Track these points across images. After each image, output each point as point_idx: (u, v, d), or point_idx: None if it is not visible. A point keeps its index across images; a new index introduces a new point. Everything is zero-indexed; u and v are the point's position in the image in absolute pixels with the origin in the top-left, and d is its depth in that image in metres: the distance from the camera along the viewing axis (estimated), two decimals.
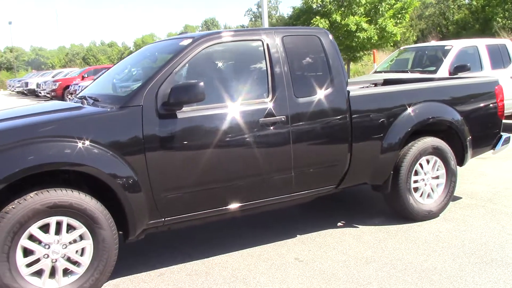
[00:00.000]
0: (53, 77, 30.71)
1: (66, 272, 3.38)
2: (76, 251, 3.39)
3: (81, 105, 3.87)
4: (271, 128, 3.99)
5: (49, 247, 3.29)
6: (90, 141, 3.39)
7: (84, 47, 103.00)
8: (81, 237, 3.41)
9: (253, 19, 72.18)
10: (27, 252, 3.26)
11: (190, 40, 3.98)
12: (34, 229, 3.23)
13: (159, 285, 3.70)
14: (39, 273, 3.30)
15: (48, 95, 27.77)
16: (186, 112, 3.70)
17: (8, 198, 3.22)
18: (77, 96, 4.39)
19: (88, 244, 3.41)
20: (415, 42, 34.16)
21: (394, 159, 4.63)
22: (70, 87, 25.37)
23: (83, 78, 26.60)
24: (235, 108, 3.91)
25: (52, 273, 3.34)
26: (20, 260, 3.22)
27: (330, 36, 4.52)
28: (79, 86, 23.56)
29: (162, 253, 4.30)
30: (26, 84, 33.28)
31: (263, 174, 4.04)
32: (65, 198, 3.28)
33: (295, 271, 3.83)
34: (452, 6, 44.66)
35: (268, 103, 4.02)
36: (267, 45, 4.15)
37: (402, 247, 4.21)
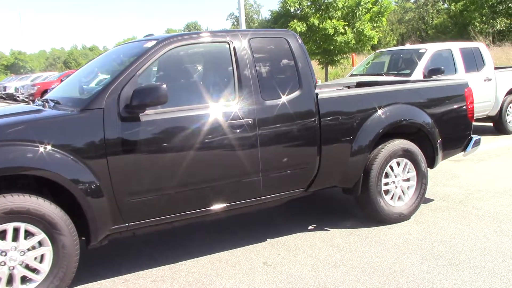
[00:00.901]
0: (31, 81, 30.30)
1: (24, 280, 3.29)
2: (35, 258, 3.30)
3: (42, 108, 3.78)
4: (238, 131, 3.94)
5: (6, 254, 3.19)
6: (49, 145, 3.30)
7: (65, 51, 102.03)
8: (40, 244, 3.32)
9: (235, 23, 72.21)
10: None
11: (154, 42, 3.92)
12: None
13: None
14: None
15: (26, 99, 27.36)
16: (150, 115, 3.63)
17: None
18: (41, 99, 4.29)
19: (47, 250, 3.32)
20: (395, 46, 34.45)
21: (364, 161, 4.61)
22: (48, 91, 25.03)
23: (61, 81, 26.29)
24: (201, 110, 3.85)
25: (10, 281, 3.24)
26: None
27: (298, 38, 4.49)
28: None
29: (128, 258, 4.21)
30: (4, 88, 32.79)
31: (230, 178, 3.98)
32: (22, 203, 3.18)
33: (263, 276, 3.78)
34: (431, 11, 45.24)
35: (235, 106, 3.97)
36: (234, 47, 4.10)
37: (372, 250, 4.18)
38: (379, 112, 4.65)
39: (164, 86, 3.50)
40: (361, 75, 10.01)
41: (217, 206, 3.99)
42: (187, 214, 3.89)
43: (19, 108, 4.09)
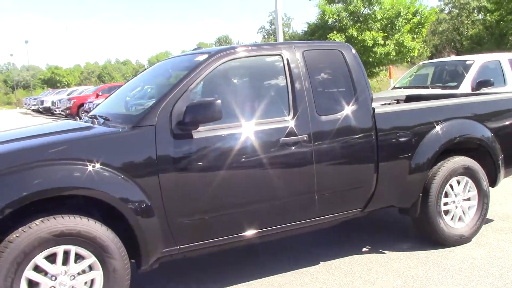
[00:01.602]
0: (68, 95, 30.83)
1: None
2: (85, 283, 3.15)
3: (91, 124, 3.66)
4: (293, 148, 3.74)
5: (56, 279, 3.05)
6: (99, 163, 3.16)
7: (99, 65, 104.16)
8: (90, 268, 3.16)
9: (266, 36, 72.46)
10: (32, 285, 3.02)
11: (206, 56, 3.77)
12: (39, 259, 3.00)
13: None
14: None
15: (63, 113, 27.85)
16: (202, 132, 3.47)
17: (11, 226, 2.99)
18: (88, 115, 4.18)
19: (98, 275, 3.16)
20: (430, 58, 33.84)
21: (423, 180, 4.35)
22: (84, 105, 25.38)
23: (97, 96, 26.65)
24: (254, 127, 3.67)
25: None
26: None
27: (353, 50, 4.28)
28: (94, 104, 23.61)
29: (177, 282, 4.03)
30: (42, 102, 33.48)
31: (285, 198, 3.78)
32: (72, 225, 3.04)
33: None
34: (466, 22, 44.34)
35: (289, 122, 3.78)
36: (287, 60, 3.91)
37: (435, 276, 3.90)
38: (437, 127, 4.39)
39: (219, 101, 3.34)
40: (404, 87, 9.71)
41: (270, 228, 3.79)
42: (240, 237, 3.69)
43: (68, 125, 3.97)
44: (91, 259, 3.13)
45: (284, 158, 3.73)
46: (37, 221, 2.99)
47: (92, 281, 3.17)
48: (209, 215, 3.51)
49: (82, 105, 25.88)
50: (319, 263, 4.30)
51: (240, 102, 3.78)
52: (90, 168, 3.13)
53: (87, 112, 25.55)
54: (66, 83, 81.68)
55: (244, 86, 4.06)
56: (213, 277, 4.08)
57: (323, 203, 3.93)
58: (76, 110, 26.29)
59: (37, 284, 3.02)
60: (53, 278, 3.05)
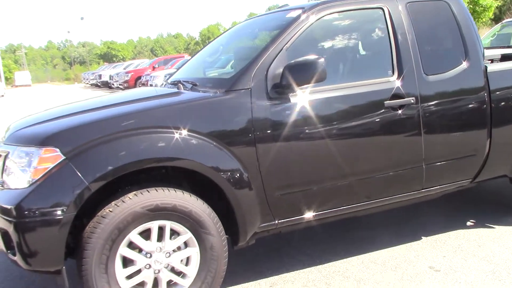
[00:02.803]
0: (124, 68, 31.18)
1: (169, 284, 2.90)
2: (181, 260, 2.90)
3: (179, 90, 3.37)
4: (398, 112, 3.33)
5: (151, 256, 2.82)
6: (193, 131, 2.87)
7: (151, 39, 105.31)
8: (186, 244, 2.91)
9: None
10: (126, 262, 2.80)
11: (299, 12, 3.38)
12: (134, 236, 2.77)
13: None
14: (140, 287, 2.84)
15: (121, 86, 28.20)
16: (300, 95, 3.11)
17: (101, 201, 2.77)
18: (169, 81, 3.90)
19: (194, 252, 2.91)
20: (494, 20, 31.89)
21: None
22: (141, 77, 25.57)
23: (154, 68, 26.80)
24: (356, 89, 3.28)
25: (155, 286, 2.87)
26: (120, 272, 2.76)
27: (461, 2, 3.77)
28: (151, 76, 23.69)
29: (270, 259, 3.74)
30: (100, 76, 34.09)
31: (389, 168, 3.40)
32: (168, 199, 2.78)
33: (435, 285, 3.18)
34: None
35: (394, 82, 3.37)
36: (390, 13, 3.47)
37: None
38: None
39: (322, 60, 2.96)
40: (486, 48, 8.96)
41: (372, 201, 3.43)
42: (340, 210, 3.35)
43: (154, 92, 3.71)
44: (186, 235, 2.88)
45: (388, 124, 3.33)
46: (130, 195, 2.75)
47: (188, 258, 2.92)
48: (308, 188, 3.18)
49: (139, 77, 26.09)
50: (421, 238, 3.92)
51: (339, 61, 3.41)
52: (186, 137, 2.84)
53: (144, 84, 25.75)
54: (121, 57, 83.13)
55: (342, 43, 3.65)
56: (308, 254, 3.77)
57: (430, 173, 3.52)
58: (134, 83, 26.54)
59: (131, 261, 2.80)
60: (148, 255, 2.82)
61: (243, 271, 3.51)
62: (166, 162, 2.82)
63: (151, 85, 23.94)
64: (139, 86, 26.30)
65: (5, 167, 2.85)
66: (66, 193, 2.61)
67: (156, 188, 2.79)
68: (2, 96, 35.67)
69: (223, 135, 2.95)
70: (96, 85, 35.62)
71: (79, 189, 2.61)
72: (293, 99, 3.08)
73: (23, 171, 2.72)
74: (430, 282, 3.21)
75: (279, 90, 3.06)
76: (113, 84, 30.06)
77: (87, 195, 2.63)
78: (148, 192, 2.76)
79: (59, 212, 2.58)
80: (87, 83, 40.94)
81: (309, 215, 3.25)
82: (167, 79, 4.11)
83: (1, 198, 2.76)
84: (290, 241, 4.02)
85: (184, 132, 2.84)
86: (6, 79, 60.82)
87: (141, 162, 2.75)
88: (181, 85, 3.45)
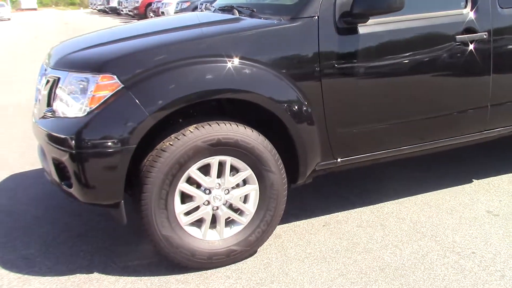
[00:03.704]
0: None
1: (227, 221, 2.80)
2: (240, 198, 2.78)
3: (239, 16, 3.12)
4: (469, 47, 3.10)
5: (210, 192, 2.69)
6: (261, 62, 2.66)
7: None
8: (244, 182, 2.78)
9: None
10: (184, 198, 2.68)
11: None
12: (193, 171, 2.62)
13: (327, 237, 3.06)
14: (198, 223, 2.73)
15: (130, 13, 27.47)
16: (369, 26, 2.87)
17: (158, 133, 2.60)
18: (218, 6, 3.62)
19: (253, 189, 2.78)
20: None
21: None
22: (152, 4, 24.80)
23: None
24: (426, 21, 3.04)
25: (212, 222, 2.76)
26: (179, 208, 2.65)
27: None
28: (162, 3, 22.96)
29: (317, 199, 3.62)
30: (108, 1, 33.09)
31: (455, 107, 3.21)
32: (230, 134, 2.61)
33: (495, 229, 3.07)
34: None
35: (467, 14, 3.11)
36: None
37: None
38: None
39: None
40: None
41: (435, 141, 3.26)
42: (401, 150, 3.19)
43: (209, 17, 3.43)
44: (247, 171, 2.73)
45: (458, 60, 3.11)
46: (191, 128, 2.57)
47: (246, 196, 2.80)
48: (372, 125, 3.01)
49: (150, 4, 25.27)
50: (472, 181, 3.79)
51: None
52: (247, 67, 2.64)
53: (155, 12, 25.01)
54: None
55: None
56: (357, 195, 3.65)
57: (494, 114, 3.33)
58: (143, 10, 25.78)
59: (189, 197, 2.68)
60: (207, 191, 2.69)
61: (292, 209, 3.40)
62: (240, 94, 2.63)
63: (162, 13, 23.28)
64: (149, 14, 25.57)
65: (55, 94, 2.67)
66: (126, 123, 2.44)
67: (218, 121, 2.62)
68: (9, 19, 34.96)
69: (289, 66, 2.73)
70: (104, 11, 34.74)
71: (139, 120, 2.44)
72: (363, 30, 2.85)
73: (77, 99, 2.54)
74: (490, 227, 3.11)
75: (348, 20, 2.81)
76: (122, 11, 29.28)
77: (148, 127, 2.46)
78: (210, 125, 2.59)
79: (119, 143, 2.43)
80: (94, 9, 39.93)
81: (370, 154, 3.10)
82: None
83: (53, 127, 2.61)
84: (335, 181, 3.89)
85: (251, 64, 2.63)
86: (12, 2, 59.37)
87: (212, 92, 2.57)
88: (236, 11, 3.19)
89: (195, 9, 19.64)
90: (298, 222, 3.27)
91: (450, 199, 3.51)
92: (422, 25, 3.01)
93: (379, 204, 3.48)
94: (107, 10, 33.35)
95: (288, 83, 2.72)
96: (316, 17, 2.78)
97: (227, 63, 2.59)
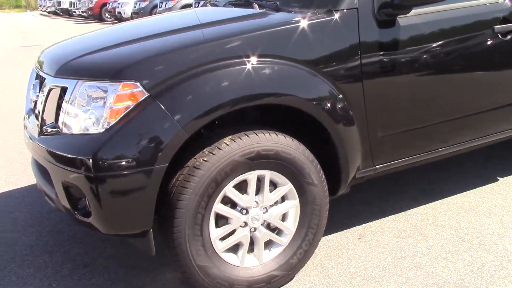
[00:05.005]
0: None
1: (264, 244, 2.46)
2: (279, 216, 2.45)
3: (265, 11, 2.77)
4: (507, 39, 2.88)
5: (247, 212, 2.35)
6: (297, 61, 2.34)
7: None
8: (283, 198, 2.45)
9: None
10: (218, 221, 2.33)
11: None
12: (230, 189, 2.28)
13: (367, 252, 2.77)
14: (234, 248, 2.39)
15: (84, 14, 26.49)
16: (408, 17, 2.60)
17: (186, 148, 2.23)
18: (226, 1, 3.26)
19: (293, 206, 2.46)
20: None
21: None
22: (107, 4, 23.95)
23: None
24: (466, 11, 2.80)
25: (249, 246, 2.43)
26: (214, 232, 2.30)
27: None
28: (118, 3, 22.18)
29: (343, 207, 3.31)
30: (59, 3, 31.80)
31: (493, 104, 3.00)
32: (270, 144, 2.28)
33: None
34: None
35: (505, 3, 2.89)
36: None
37: None
38: None
39: None
40: None
41: (470, 140, 3.03)
42: (438, 151, 2.93)
43: (227, 13, 3.06)
44: (287, 186, 2.41)
45: (496, 53, 2.89)
46: (227, 140, 2.23)
47: (284, 214, 2.47)
48: (413, 127, 2.75)
49: (105, 4, 24.40)
50: (498, 179, 3.60)
51: None
52: (287, 68, 2.31)
53: (110, 12, 24.16)
54: None
55: None
56: (385, 201, 3.39)
57: None
58: (98, 11, 24.88)
59: (223, 219, 2.33)
60: (244, 211, 2.35)
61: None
62: (281, 99, 2.29)
63: (119, 13, 22.50)
64: (105, 15, 24.71)
65: (61, 107, 2.26)
66: (156, 139, 2.07)
67: (255, 131, 2.28)
68: None
69: (328, 65, 2.43)
70: (55, 13, 33.39)
71: (171, 134, 2.07)
72: (402, 22, 2.57)
73: (92, 113, 2.15)
74: None
75: (389, 11, 2.53)
76: (74, 12, 28.23)
77: (181, 142, 2.11)
78: (248, 136, 2.25)
79: (148, 163, 2.06)
80: (44, 11, 38.32)
81: (407, 159, 2.83)
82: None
83: (62, 146, 2.21)
84: (356, 185, 3.60)
85: (292, 63, 2.31)
86: None
87: (254, 98, 2.24)
88: (255, 4, 2.85)
89: (154, 8, 19.07)
90: (329, 236, 2.97)
91: (483, 200, 3.29)
92: (464, 14, 2.76)
93: (411, 210, 3.23)
94: (58, 12, 32.08)
95: (329, 84, 2.41)
96: (356, 9, 2.48)
97: (265, 64, 2.26)
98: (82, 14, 26.55)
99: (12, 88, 8.16)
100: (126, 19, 20.08)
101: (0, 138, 5.30)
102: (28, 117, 2.70)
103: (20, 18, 34.37)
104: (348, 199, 3.36)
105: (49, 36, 18.03)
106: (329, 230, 3.02)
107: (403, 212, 3.20)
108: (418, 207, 3.25)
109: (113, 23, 21.77)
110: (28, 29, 22.48)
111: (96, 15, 25.05)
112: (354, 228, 3.05)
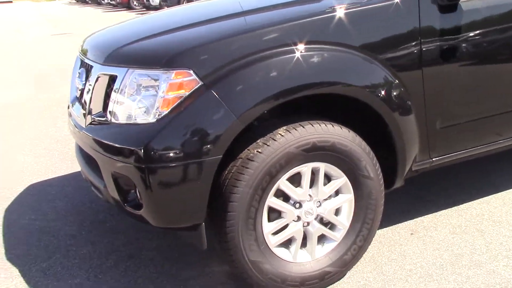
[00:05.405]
0: None
1: (318, 239, 2.37)
2: (333, 211, 2.35)
3: None
4: None
5: (300, 206, 2.26)
6: (353, 48, 2.22)
7: None
8: (336, 192, 2.35)
9: None
10: (270, 215, 2.24)
11: None
12: (283, 182, 2.18)
13: (422, 249, 2.65)
14: (286, 243, 2.30)
15: (112, 2, 26.65)
16: (472, 1, 2.45)
17: (236, 139, 2.12)
18: None
19: (348, 200, 2.35)
20: None
21: None
22: None
23: None
24: None
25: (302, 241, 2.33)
26: (267, 227, 2.21)
27: None
28: None
29: (394, 200, 3.19)
30: None
31: None
32: (326, 136, 2.17)
33: None
34: None
35: None
36: None
37: None
38: None
39: None
40: None
41: None
42: (495, 144, 2.78)
43: None
44: (342, 179, 2.30)
45: None
46: (281, 131, 2.13)
47: (338, 209, 2.37)
48: (473, 118, 2.60)
49: None
50: None
51: None
52: (345, 55, 2.20)
53: (139, 0, 24.22)
54: None
55: None
56: (437, 194, 3.25)
57: None
58: None
59: (276, 213, 2.24)
60: (297, 205, 2.26)
61: None
62: (337, 87, 2.18)
63: (147, 1, 22.54)
64: (133, 3, 24.77)
65: (110, 96, 2.19)
66: (210, 129, 1.98)
67: (311, 122, 2.18)
68: None
69: (386, 51, 2.29)
70: (84, 1, 33.70)
71: (226, 124, 1.98)
72: (466, 6, 2.42)
73: (143, 102, 2.07)
74: None
75: None
76: (103, 0, 28.41)
77: (237, 132, 2.02)
78: (303, 127, 2.14)
79: (202, 154, 1.97)
80: None
81: (464, 151, 2.69)
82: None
83: (112, 136, 2.14)
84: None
85: (349, 50, 2.19)
86: None
87: (310, 86, 2.12)
88: None
89: None
90: (380, 231, 2.85)
91: None
92: None
93: (464, 204, 3.09)
94: (87, 0, 32.35)
95: (386, 71, 2.28)
96: None
97: (322, 51, 2.15)
98: (111, 2, 26.69)
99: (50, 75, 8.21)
100: (155, 8, 20.11)
101: (39, 127, 5.32)
102: (73, 105, 2.64)
103: (49, 7, 34.80)
104: (398, 192, 3.23)
105: (78, 24, 18.14)
106: (379, 225, 2.90)
107: (456, 207, 3.06)
108: (472, 201, 3.11)
109: (141, 11, 21.82)
110: (57, 17, 22.71)
111: (125, 3, 25.14)
112: (406, 223, 2.93)
